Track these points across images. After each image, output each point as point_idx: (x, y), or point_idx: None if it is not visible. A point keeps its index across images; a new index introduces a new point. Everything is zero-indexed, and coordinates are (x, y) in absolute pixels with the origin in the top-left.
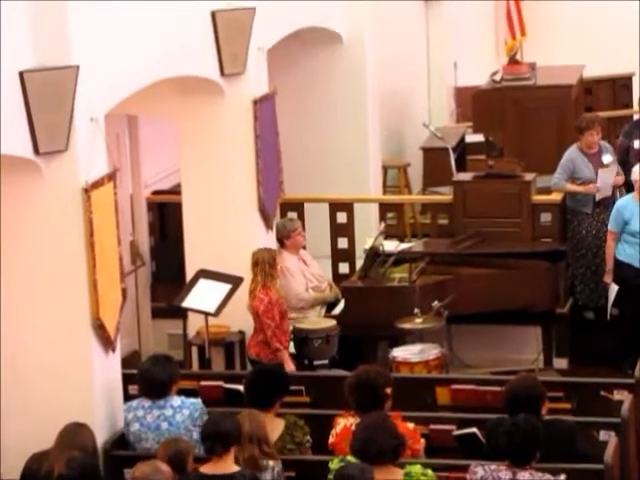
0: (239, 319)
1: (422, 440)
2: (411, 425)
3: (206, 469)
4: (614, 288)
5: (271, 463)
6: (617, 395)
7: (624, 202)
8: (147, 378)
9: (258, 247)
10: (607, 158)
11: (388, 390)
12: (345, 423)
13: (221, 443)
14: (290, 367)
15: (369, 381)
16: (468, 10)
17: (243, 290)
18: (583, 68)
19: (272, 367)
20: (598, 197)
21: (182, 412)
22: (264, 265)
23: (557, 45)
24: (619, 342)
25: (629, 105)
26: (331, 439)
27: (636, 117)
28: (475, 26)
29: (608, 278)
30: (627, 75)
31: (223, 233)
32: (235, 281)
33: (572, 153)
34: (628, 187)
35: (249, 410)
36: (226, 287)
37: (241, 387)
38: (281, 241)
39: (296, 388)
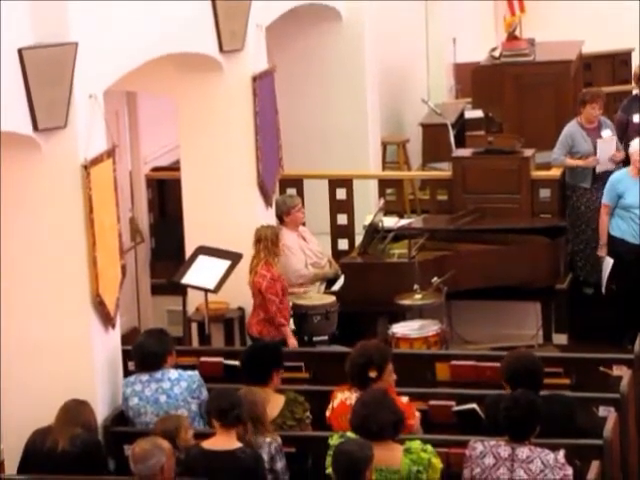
0: (238, 295)
1: (417, 414)
2: (405, 399)
3: (208, 444)
4: (609, 261)
5: (267, 440)
6: (616, 370)
7: (618, 176)
8: (140, 351)
9: (259, 224)
10: (606, 133)
11: (372, 373)
12: (341, 397)
13: (237, 416)
14: (293, 342)
15: (352, 360)
16: None
17: (243, 266)
18: (582, 44)
19: (265, 342)
20: (598, 170)
21: (180, 384)
22: (267, 242)
23: (556, 21)
24: (618, 318)
25: (628, 81)
26: (328, 413)
27: (635, 92)
28: (474, 2)
29: (602, 252)
30: (626, 51)
31: (222, 210)
32: (234, 257)
33: (571, 128)
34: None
35: (247, 388)
36: (225, 263)
37: None
38: (280, 218)
39: (296, 364)
